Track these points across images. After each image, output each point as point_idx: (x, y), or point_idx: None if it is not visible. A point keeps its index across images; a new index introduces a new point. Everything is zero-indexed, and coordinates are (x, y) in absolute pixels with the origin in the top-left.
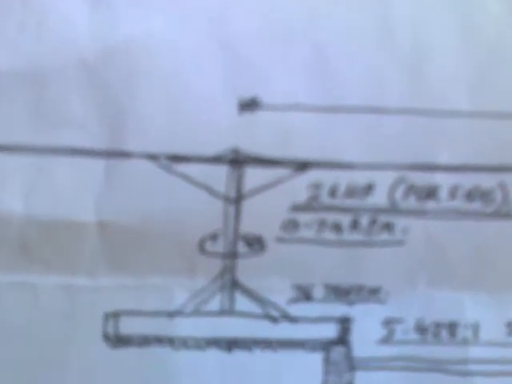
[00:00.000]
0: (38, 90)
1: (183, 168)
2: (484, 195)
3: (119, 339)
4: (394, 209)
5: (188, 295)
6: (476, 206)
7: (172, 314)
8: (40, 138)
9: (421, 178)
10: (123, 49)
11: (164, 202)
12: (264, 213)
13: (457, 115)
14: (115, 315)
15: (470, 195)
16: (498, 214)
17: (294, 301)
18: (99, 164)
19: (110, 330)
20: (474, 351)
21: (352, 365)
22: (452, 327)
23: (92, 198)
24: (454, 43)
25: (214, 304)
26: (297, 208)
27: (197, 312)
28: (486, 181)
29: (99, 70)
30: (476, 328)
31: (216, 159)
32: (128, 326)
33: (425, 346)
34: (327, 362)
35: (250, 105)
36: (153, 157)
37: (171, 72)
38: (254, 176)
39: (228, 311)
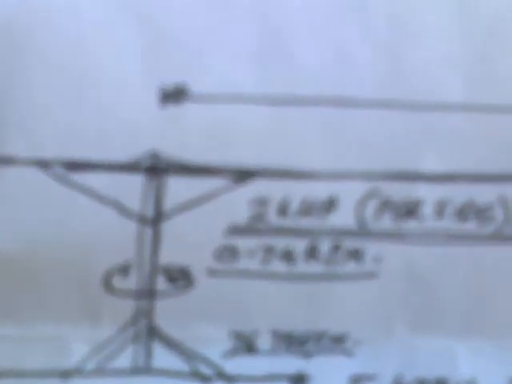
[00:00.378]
0: None
1: (84, 178)
2: (479, 213)
3: None
4: (363, 231)
5: (89, 348)
6: (470, 226)
7: (67, 374)
8: None
9: (399, 191)
10: (2, 24)
11: (57, 222)
12: (191, 237)
13: (446, 109)
14: None
15: (462, 213)
16: (498, 237)
17: (233, 354)
18: None
19: None
20: None
21: None
22: None
23: None
24: (445, 23)
25: (125, 359)
26: (235, 230)
27: (102, 370)
28: (483, 194)
29: None
30: None
31: (129, 167)
32: None
33: None
34: None
35: (174, 95)
36: (43, 164)
37: (70, 51)
38: (178, 188)
39: (143, 369)
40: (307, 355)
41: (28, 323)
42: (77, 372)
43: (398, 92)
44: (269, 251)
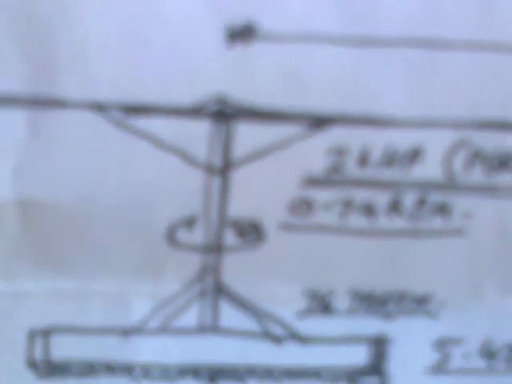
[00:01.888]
0: None
1: (145, 123)
2: None
3: (51, 366)
4: (451, 183)
5: (152, 305)
6: None
7: (128, 332)
8: None
9: (490, 141)
10: None
11: (116, 170)
12: (262, 188)
13: None
14: (45, 333)
15: None
16: None
17: (307, 313)
18: (20, 116)
19: (38, 354)
20: None
21: None
22: None
23: (9, 165)
24: None
25: (190, 317)
26: (311, 182)
27: (165, 329)
28: None
29: None
30: None
31: (194, 111)
32: (63, 348)
33: (494, 376)
34: None
35: (242, 33)
36: (100, 107)
37: None
38: (247, 136)
39: (210, 327)
40: (388, 316)
41: (87, 278)
42: (139, 330)
43: (491, 33)
44: (347, 204)
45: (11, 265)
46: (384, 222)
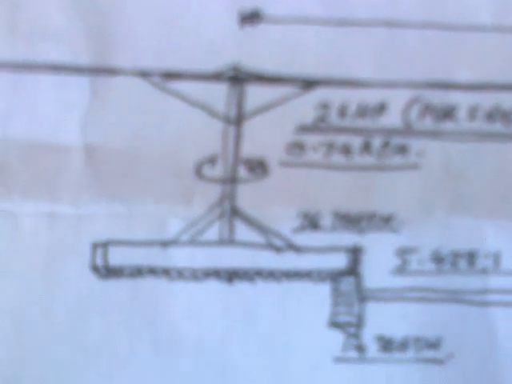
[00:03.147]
0: (14, 1)
1: (178, 86)
2: (506, 116)
3: (109, 270)
4: (408, 130)
5: (183, 224)
6: (497, 127)
7: (166, 244)
8: (17, 53)
9: (438, 97)
10: None
11: (157, 122)
12: (267, 134)
13: (478, 29)
14: (104, 245)
15: (491, 115)
16: None
17: (300, 229)
18: (84, 81)
19: (99, 261)
20: (494, 281)
21: (363, 296)
22: (471, 256)
23: (76, 119)
24: None
25: (212, 233)
26: (303, 129)
27: (193, 241)
28: (508, 100)
29: None
30: (497, 257)
31: (215, 76)
32: (118, 257)
33: (441, 276)
34: (336, 293)
35: (251, 17)
36: (144, 73)
37: None
38: (256, 95)
39: (228, 241)
40: (361, 232)
41: (134, 203)
42: (174, 242)
43: (437, 14)
44: (330, 146)
45: (78, 194)
46: (358, 159)
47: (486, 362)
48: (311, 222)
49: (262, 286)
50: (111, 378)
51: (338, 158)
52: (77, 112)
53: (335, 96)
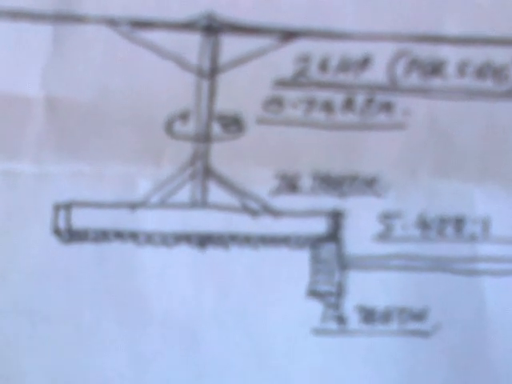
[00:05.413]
0: None
1: (148, 35)
2: (497, 72)
3: (72, 234)
4: (393, 86)
5: (153, 184)
6: (487, 84)
7: (134, 206)
8: None
9: (425, 52)
10: None
11: (125, 74)
12: (243, 89)
13: None
14: (67, 206)
15: (481, 72)
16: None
17: (278, 192)
18: (46, 30)
19: (62, 224)
20: (483, 248)
21: (344, 263)
22: (459, 222)
23: (38, 69)
24: None
25: (184, 195)
26: (282, 83)
27: (163, 204)
28: (500, 56)
29: None
30: (486, 223)
31: (188, 25)
32: (82, 219)
33: (427, 243)
34: (315, 260)
35: None
36: (111, 22)
37: None
38: (231, 46)
39: (200, 203)
40: (342, 195)
41: (100, 162)
42: (143, 204)
43: None
44: (310, 103)
45: (39, 151)
46: (340, 117)
47: (474, 335)
48: (289, 184)
49: (237, 252)
50: (74, 349)
51: (318, 116)
52: (38, 62)
53: (316, 49)
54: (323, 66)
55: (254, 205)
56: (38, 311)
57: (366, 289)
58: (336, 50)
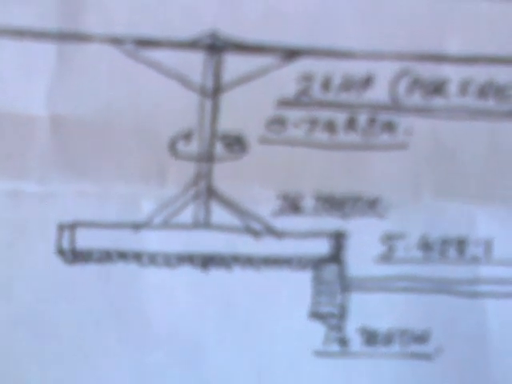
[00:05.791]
0: None
1: (152, 54)
2: (499, 91)
3: (76, 254)
4: (396, 105)
5: (156, 205)
6: (490, 103)
7: (138, 226)
8: None
9: (427, 71)
10: None
11: (129, 93)
12: (246, 108)
13: None
14: (71, 226)
15: (484, 91)
16: None
17: (280, 213)
18: (51, 48)
19: (66, 244)
20: (485, 270)
21: (346, 285)
22: (461, 244)
23: (43, 88)
24: None
25: (187, 215)
26: (284, 103)
27: (167, 224)
28: (502, 75)
29: None
30: (488, 245)
31: (191, 44)
32: (86, 239)
33: (429, 265)
34: (317, 281)
35: None
36: (116, 40)
37: None
38: (234, 65)
39: (203, 224)
40: (345, 216)
41: (104, 182)
42: (146, 225)
43: None
44: (313, 122)
45: (43, 170)
46: (342, 137)
47: (476, 357)
48: (292, 205)
49: (239, 273)
50: (76, 369)
51: (320, 136)
52: (43, 80)
53: (318, 67)
54: (326, 84)
55: (256, 225)
56: (41, 329)
57: (367, 311)
58: (338, 69)
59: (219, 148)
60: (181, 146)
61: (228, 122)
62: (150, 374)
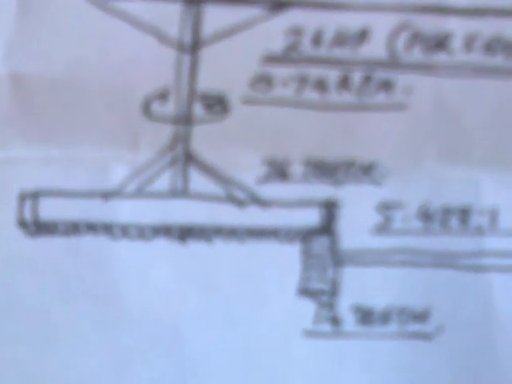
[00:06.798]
0: None
1: (124, 5)
2: (507, 47)
3: (39, 226)
4: (394, 62)
5: (129, 171)
6: (497, 59)
7: (108, 195)
8: None
9: (429, 24)
10: None
11: (98, 49)
12: (228, 65)
13: None
14: (34, 195)
15: (490, 46)
16: None
17: (266, 180)
18: None
19: (28, 215)
20: (491, 242)
21: (338, 259)
22: (464, 213)
23: (1, 43)
24: None
25: (163, 183)
26: (271, 59)
27: (140, 193)
28: (511, 28)
29: None
30: (494, 214)
31: None
32: (50, 210)
33: (430, 237)
34: (307, 255)
35: None
36: None
37: None
38: (215, 17)
39: (180, 192)
40: (337, 183)
41: (71, 146)
42: (117, 193)
43: None
44: (302, 80)
45: (4, 134)
46: (334, 96)
47: (480, 336)
48: (279, 171)
49: (221, 246)
50: (44, 352)
51: (311, 95)
52: (0, 35)
53: (309, 20)
54: (317, 39)
55: (239, 194)
56: (3, 308)
57: (362, 287)
58: (331, 22)
59: (198, 109)
60: (156, 107)
61: (208, 80)
62: (127, 352)
